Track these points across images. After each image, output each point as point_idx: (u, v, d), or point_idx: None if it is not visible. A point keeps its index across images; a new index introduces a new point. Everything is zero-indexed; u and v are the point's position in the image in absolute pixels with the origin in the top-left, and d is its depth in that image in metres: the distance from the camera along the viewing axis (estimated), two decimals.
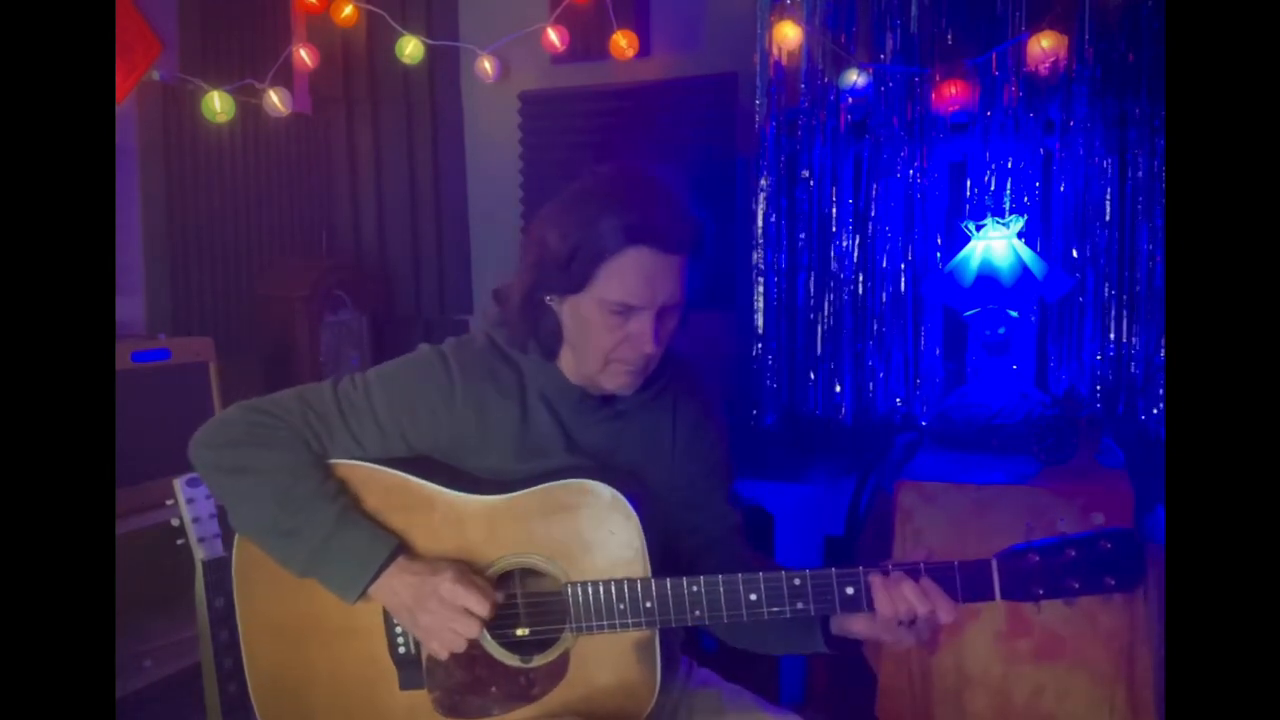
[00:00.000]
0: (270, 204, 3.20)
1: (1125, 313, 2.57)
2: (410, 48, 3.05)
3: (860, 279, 2.80)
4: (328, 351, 3.09)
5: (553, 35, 2.97)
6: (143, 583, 1.97)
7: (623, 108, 3.14)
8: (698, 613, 1.24)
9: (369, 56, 3.35)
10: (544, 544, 1.28)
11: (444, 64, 3.37)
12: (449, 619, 1.22)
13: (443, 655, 1.26)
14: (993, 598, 1.20)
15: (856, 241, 2.79)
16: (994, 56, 2.58)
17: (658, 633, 1.29)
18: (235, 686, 1.43)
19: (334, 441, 1.31)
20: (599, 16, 2.93)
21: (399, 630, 1.31)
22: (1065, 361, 2.62)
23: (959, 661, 2.12)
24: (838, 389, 2.84)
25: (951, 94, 2.61)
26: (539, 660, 1.30)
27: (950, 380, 2.75)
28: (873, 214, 2.76)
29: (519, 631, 1.30)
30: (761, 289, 2.87)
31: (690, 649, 1.53)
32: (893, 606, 1.19)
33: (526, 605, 1.30)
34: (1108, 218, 2.55)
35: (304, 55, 3.07)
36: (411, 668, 1.32)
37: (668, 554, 1.36)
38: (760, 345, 2.88)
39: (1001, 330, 2.46)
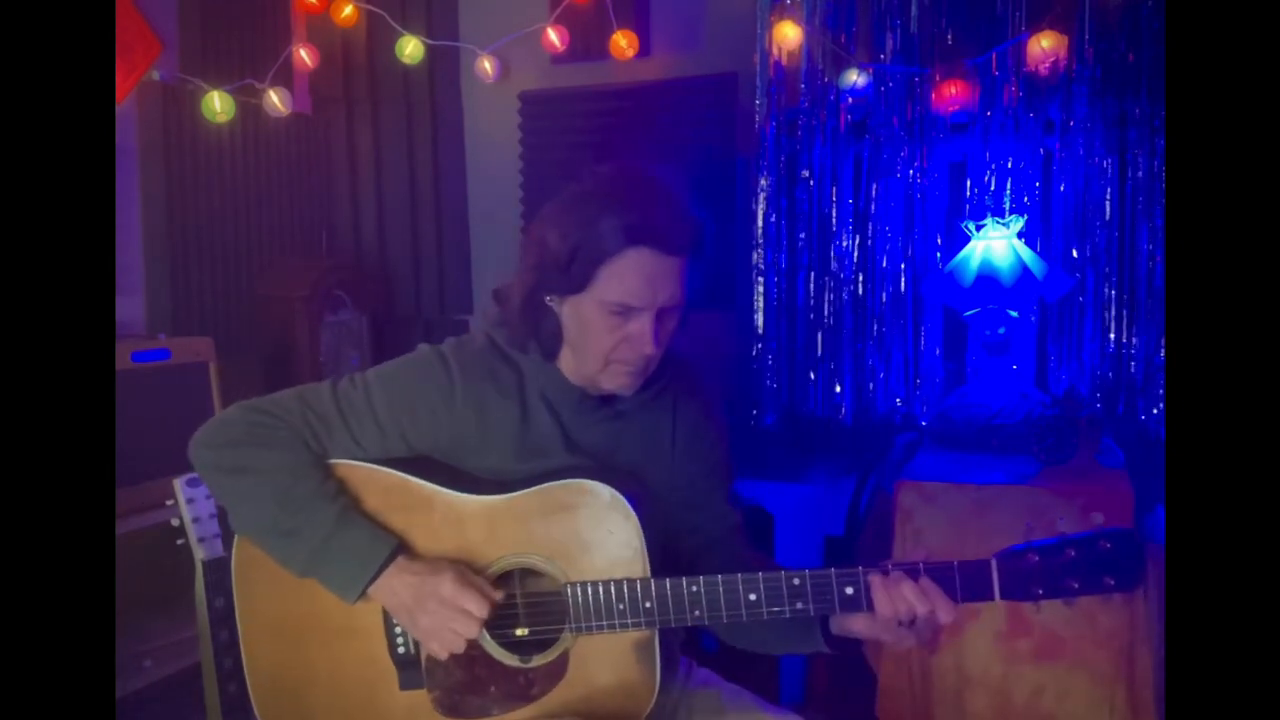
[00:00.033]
0: (270, 204, 3.20)
1: (1125, 313, 2.57)
2: (410, 48, 3.05)
3: (860, 279, 2.80)
4: (328, 351, 3.09)
5: (553, 35, 2.97)
6: (143, 583, 1.97)
7: (623, 108, 3.14)
8: (697, 613, 1.24)
9: (369, 56, 3.35)
10: (543, 544, 1.28)
11: (444, 64, 3.37)
12: (448, 619, 1.22)
13: (442, 656, 1.26)
14: (992, 598, 1.20)
15: (856, 241, 2.79)
16: (994, 56, 2.58)
17: (657, 633, 1.29)
18: (235, 686, 1.43)
19: (333, 442, 1.31)
20: (599, 16, 2.93)
21: (398, 630, 1.31)
22: (1065, 361, 2.62)
23: (959, 661, 2.12)
24: (838, 389, 2.84)
25: (951, 94, 2.61)
26: (538, 660, 1.30)
27: (950, 380, 2.75)
28: (873, 213, 2.76)
29: (518, 631, 1.30)
30: (761, 289, 2.87)
31: (690, 649, 1.53)
32: (892, 606, 1.19)
33: (526, 605, 1.30)
34: (1108, 218, 2.55)
35: (304, 55, 3.07)
36: (411, 668, 1.32)
37: (668, 554, 1.36)
38: (760, 345, 2.88)
39: (1001, 330, 2.46)
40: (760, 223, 2.85)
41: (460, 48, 3.29)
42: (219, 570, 1.43)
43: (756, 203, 2.85)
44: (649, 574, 1.26)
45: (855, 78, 2.65)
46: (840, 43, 2.71)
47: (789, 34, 2.72)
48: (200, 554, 1.45)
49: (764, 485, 2.87)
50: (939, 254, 2.70)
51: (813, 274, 2.84)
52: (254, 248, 3.14)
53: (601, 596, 1.25)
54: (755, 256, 2.86)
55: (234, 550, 1.34)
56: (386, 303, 3.41)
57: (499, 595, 1.26)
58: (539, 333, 1.31)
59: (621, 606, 1.25)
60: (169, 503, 1.46)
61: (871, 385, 2.80)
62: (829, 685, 2.66)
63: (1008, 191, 2.61)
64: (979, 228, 2.46)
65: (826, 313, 2.84)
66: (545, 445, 1.33)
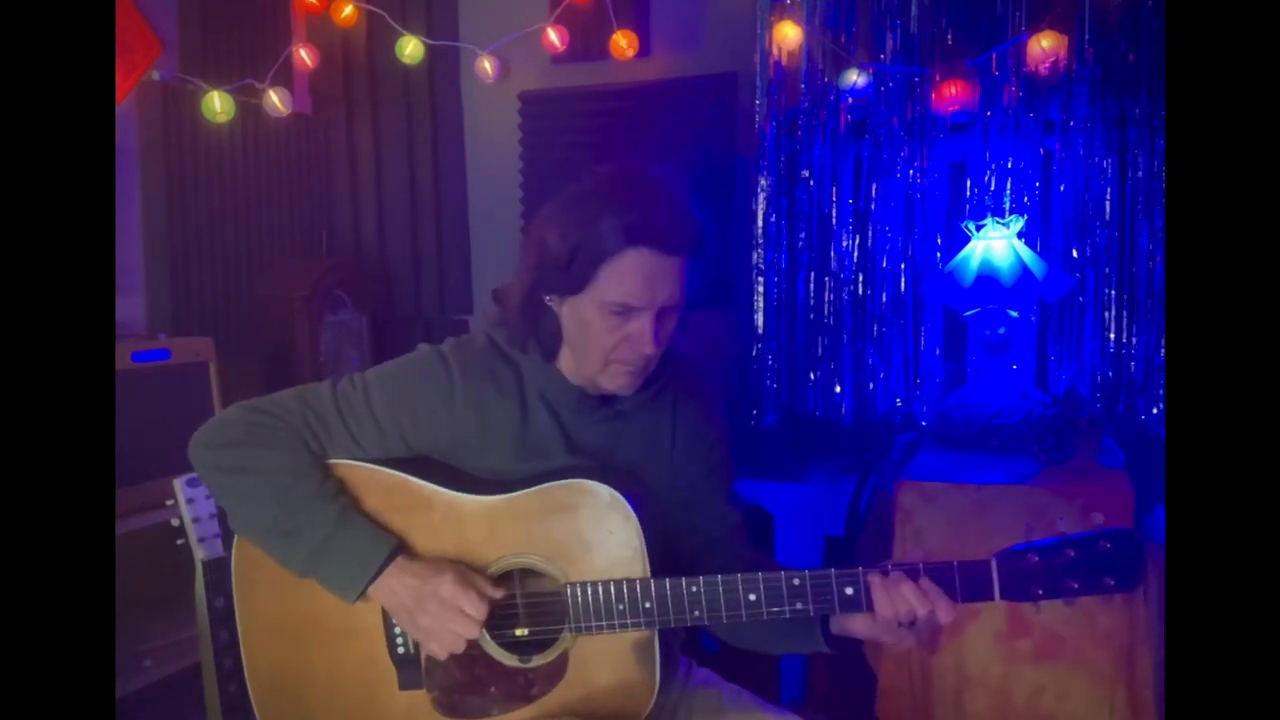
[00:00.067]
0: (270, 204, 3.20)
1: (1125, 313, 2.57)
2: (410, 48, 3.05)
3: (860, 279, 2.80)
4: (328, 351, 3.09)
5: (553, 35, 2.97)
6: (143, 583, 1.97)
7: (623, 108, 3.14)
8: (697, 613, 1.24)
9: (369, 56, 3.35)
10: (543, 544, 1.28)
11: (444, 64, 3.37)
12: (448, 620, 1.22)
13: (442, 656, 1.26)
14: (992, 598, 1.20)
15: (856, 241, 2.79)
16: (994, 56, 2.58)
17: (657, 633, 1.29)
18: (235, 686, 1.43)
19: (333, 442, 1.31)
20: (599, 16, 2.93)
21: (398, 630, 1.31)
22: (1065, 361, 2.62)
23: (959, 661, 2.12)
24: (838, 389, 2.84)
25: (951, 94, 2.61)
26: (538, 660, 1.30)
27: (950, 380, 2.75)
28: (873, 213, 2.76)
29: (518, 632, 1.30)
30: (761, 289, 2.87)
31: (690, 649, 1.53)
32: (892, 607, 1.19)
33: (526, 605, 1.30)
34: (1108, 218, 2.55)
35: (304, 55, 3.07)
36: (410, 668, 1.32)
37: (668, 554, 1.36)
38: (760, 345, 2.88)
39: (1001, 330, 2.46)
40: (760, 223, 2.85)
41: (460, 48, 3.29)
42: (219, 570, 1.43)
43: (756, 203, 2.85)
44: (649, 574, 1.26)
45: (855, 78, 2.65)
46: (840, 43, 2.71)
47: (789, 34, 2.72)
48: (200, 554, 1.45)
49: (764, 485, 2.87)
50: (939, 254, 2.70)
51: (813, 274, 2.84)
52: (254, 248, 3.14)
53: (601, 597, 1.25)
54: (755, 256, 2.86)
55: (234, 550, 1.34)
56: (386, 303, 3.41)
57: (499, 595, 1.26)
58: (539, 333, 1.31)
59: (621, 607, 1.25)
60: (169, 503, 1.46)
61: (871, 385, 2.80)
62: (829, 685, 2.66)
63: (1008, 191, 2.61)
64: (979, 228, 2.46)
65: (826, 313, 2.84)
66: (545, 445, 1.33)
